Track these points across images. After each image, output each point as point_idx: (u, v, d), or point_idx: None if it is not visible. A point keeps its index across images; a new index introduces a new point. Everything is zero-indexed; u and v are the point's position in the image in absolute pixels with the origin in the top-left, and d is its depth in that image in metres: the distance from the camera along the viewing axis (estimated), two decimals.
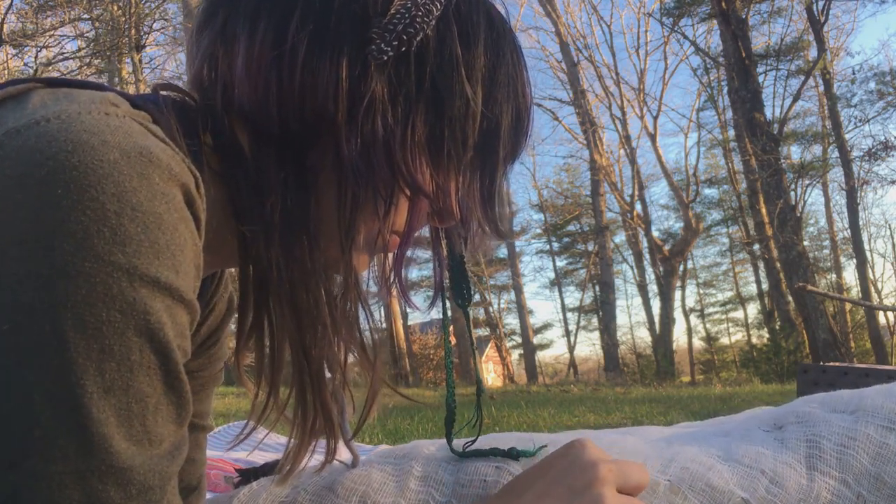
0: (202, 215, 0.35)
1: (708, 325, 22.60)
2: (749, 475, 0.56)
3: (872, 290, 15.33)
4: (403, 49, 0.41)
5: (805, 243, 9.12)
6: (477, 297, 19.73)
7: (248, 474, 0.62)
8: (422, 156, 0.43)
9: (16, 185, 0.30)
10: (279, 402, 0.47)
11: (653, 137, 16.84)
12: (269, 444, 1.57)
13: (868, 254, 16.53)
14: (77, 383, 0.29)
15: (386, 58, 0.41)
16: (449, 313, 0.60)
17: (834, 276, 18.39)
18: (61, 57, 8.36)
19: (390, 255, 0.49)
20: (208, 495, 0.90)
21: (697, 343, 21.63)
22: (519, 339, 20.27)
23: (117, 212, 0.30)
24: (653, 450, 0.59)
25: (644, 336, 22.04)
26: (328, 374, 0.47)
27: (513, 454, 0.55)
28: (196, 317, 0.35)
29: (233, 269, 0.56)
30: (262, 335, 0.45)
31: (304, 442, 0.48)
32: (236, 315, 0.46)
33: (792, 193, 9.81)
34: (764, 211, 10.29)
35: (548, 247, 21.93)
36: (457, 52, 0.43)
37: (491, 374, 18.26)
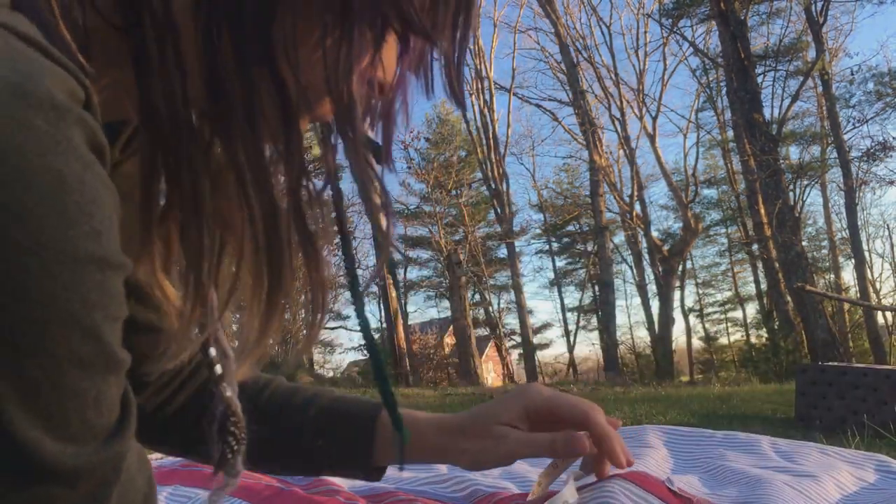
0: (102, 139, 0.29)
1: (707, 325, 22.65)
2: None
3: (871, 290, 15.36)
4: None
5: (804, 243, 9.14)
6: (477, 297, 19.74)
7: None
8: None
9: None
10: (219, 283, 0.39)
11: (652, 138, 16.85)
12: None
13: (866, 254, 16.57)
14: None
15: None
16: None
17: (832, 276, 18.42)
18: None
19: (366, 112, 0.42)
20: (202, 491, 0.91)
21: (696, 343, 21.68)
22: (519, 339, 20.28)
23: (4, 181, 0.24)
24: None
25: (643, 336, 22.07)
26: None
27: None
28: (129, 271, 0.29)
29: None
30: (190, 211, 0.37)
31: (272, 317, 0.40)
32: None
33: (791, 194, 9.83)
34: (763, 211, 10.30)
35: (547, 247, 21.96)
36: None
37: (491, 374, 18.26)
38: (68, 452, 0.26)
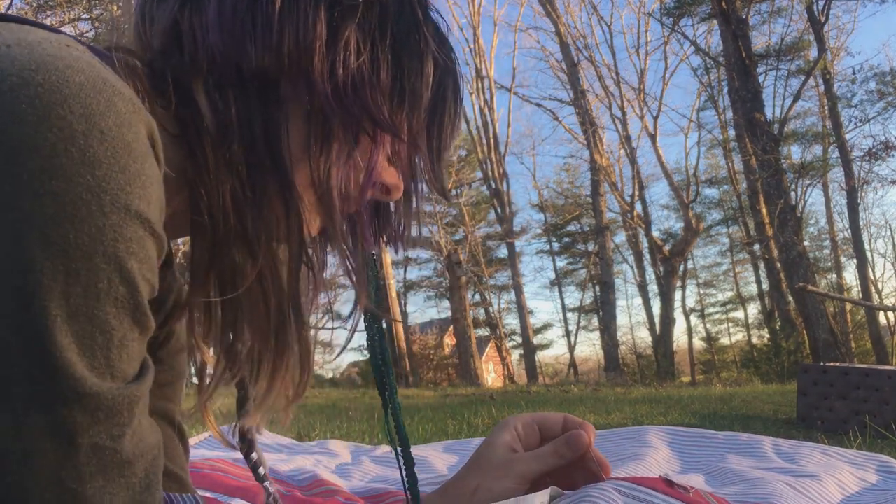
0: (161, 162, 0.34)
1: (708, 326, 22.61)
2: None
3: (873, 290, 15.32)
4: None
5: (805, 243, 9.12)
6: (477, 298, 19.74)
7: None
8: (384, 104, 0.46)
9: None
10: (239, 354, 0.47)
11: (653, 137, 16.84)
12: (269, 445, 1.58)
13: (868, 254, 16.52)
14: (41, 305, 0.28)
15: (359, 1, 0.45)
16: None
17: (834, 276, 18.39)
18: None
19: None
20: (208, 494, 0.90)
21: (698, 343, 21.65)
22: (519, 340, 20.28)
23: (85, 132, 0.29)
24: None
25: (644, 336, 22.05)
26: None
27: None
28: (163, 253, 0.34)
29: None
30: (222, 287, 0.44)
31: (276, 380, 0.48)
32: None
33: (792, 193, 9.81)
34: (764, 211, 10.28)
35: (548, 247, 21.94)
36: (416, 13, 0.48)
37: (491, 375, 18.24)
38: (92, 380, 0.30)
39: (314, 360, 0.49)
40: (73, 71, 0.30)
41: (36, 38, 0.31)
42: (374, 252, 0.56)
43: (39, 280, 0.28)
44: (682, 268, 17.81)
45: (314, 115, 0.44)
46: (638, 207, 17.14)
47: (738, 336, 22.75)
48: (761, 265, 14.91)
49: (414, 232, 0.56)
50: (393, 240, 0.55)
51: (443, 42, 0.50)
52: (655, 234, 17.85)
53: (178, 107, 0.42)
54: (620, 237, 19.27)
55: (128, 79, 0.39)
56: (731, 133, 15.30)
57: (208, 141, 0.41)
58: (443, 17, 0.51)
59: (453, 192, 18.61)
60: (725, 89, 11.56)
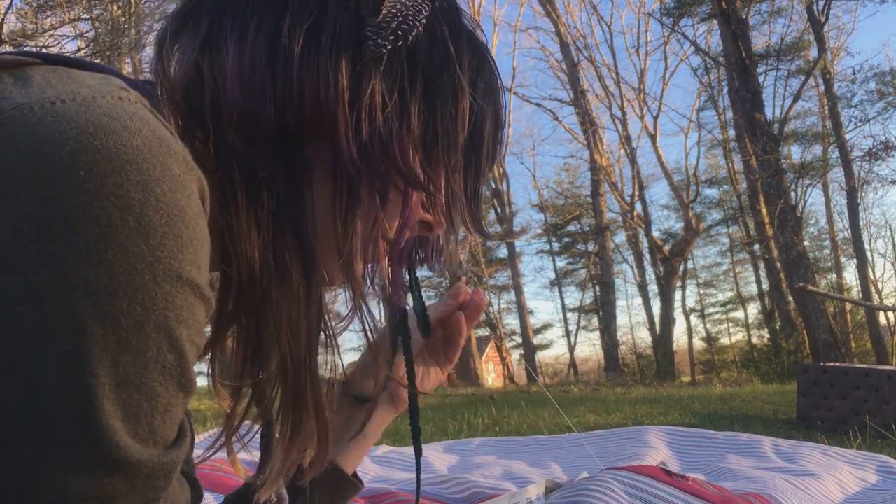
0: (208, 213, 0.34)
1: (708, 326, 22.60)
2: None
3: (873, 290, 15.31)
4: (399, 44, 0.42)
5: (805, 243, 9.12)
6: None
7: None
8: (416, 153, 0.44)
9: (29, 161, 0.28)
10: (260, 411, 0.47)
11: (653, 137, 16.85)
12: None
13: (868, 254, 16.52)
14: (91, 373, 0.28)
15: (383, 51, 0.42)
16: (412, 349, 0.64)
17: (834, 276, 18.40)
18: None
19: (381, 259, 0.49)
20: (208, 495, 0.90)
21: (698, 343, 21.64)
22: (519, 340, 20.28)
23: (142, 201, 0.29)
24: None
25: (644, 336, 22.05)
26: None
27: None
28: (211, 312, 0.34)
29: None
30: (244, 343, 0.43)
31: (291, 452, 0.47)
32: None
33: (792, 193, 9.80)
34: (764, 211, 10.28)
35: (548, 247, 21.93)
36: (449, 49, 0.45)
37: (491, 375, 18.24)
38: (135, 448, 0.30)
39: (333, 437, 0.48)
40: (130, 133, 0.30)
41: (90, 92, 0.31)
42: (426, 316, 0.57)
43: (90, 348, 0.28)
44: (682, 268, 17.82)
45: (339, 179, 0.42)
46: (638, 207, 17.16)
47: (738, 336, 22.77)
48: (761, 265, 14.91)
49: (450, 256, 0.55)
50: (429, 262, 0.55)
51: (480, 68, 0.47)
52: (655, 234, 17.87)
53: (214, 146, 0.40)
54: (620, 237, 19.29)
55: (170, 114, 0.39)
56: (731, 133, 15.32)
57: (240, 188, 0.40)
58: (481, 30, 0.48)
59: None
60: (725, 89, 11.56)
